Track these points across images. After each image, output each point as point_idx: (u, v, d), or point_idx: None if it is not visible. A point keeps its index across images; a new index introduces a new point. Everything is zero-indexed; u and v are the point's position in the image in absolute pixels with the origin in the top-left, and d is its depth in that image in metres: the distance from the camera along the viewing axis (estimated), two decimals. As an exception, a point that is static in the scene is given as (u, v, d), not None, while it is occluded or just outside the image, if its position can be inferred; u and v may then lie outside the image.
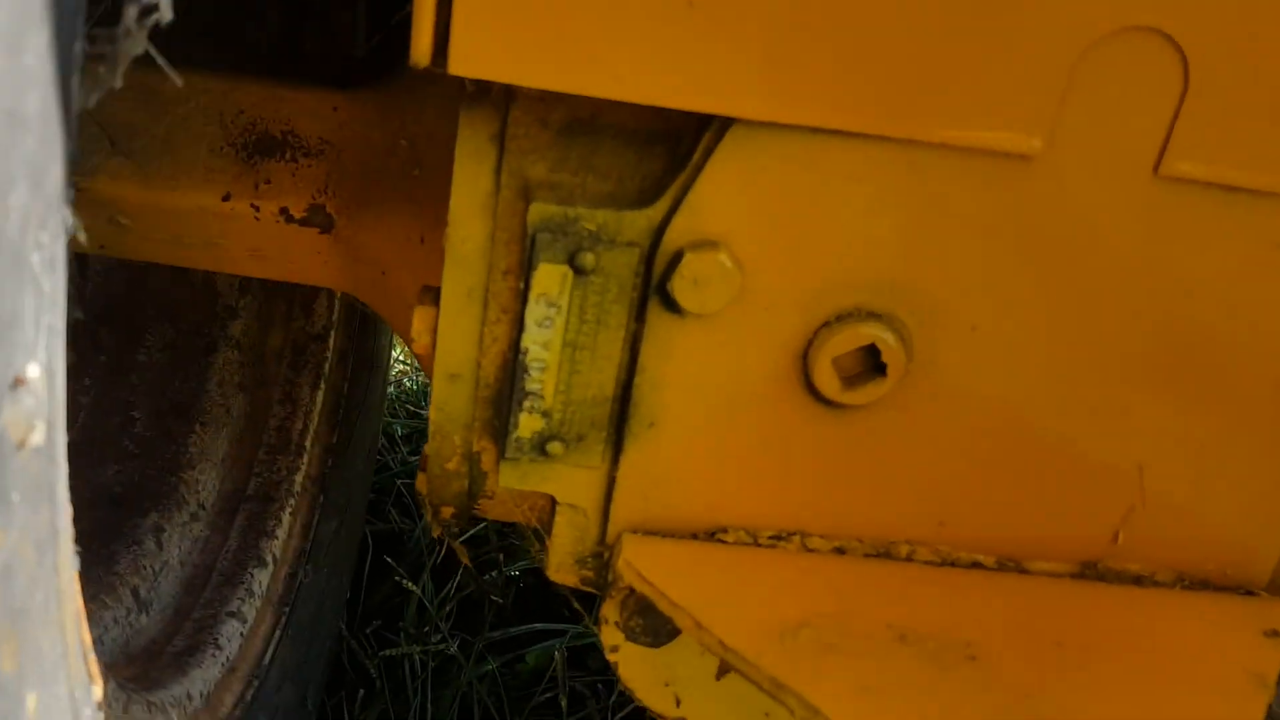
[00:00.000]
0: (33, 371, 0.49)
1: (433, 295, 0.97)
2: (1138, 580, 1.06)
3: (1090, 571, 1.07)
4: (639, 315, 0.92)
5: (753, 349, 0.93)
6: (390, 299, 1.15)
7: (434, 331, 0.96)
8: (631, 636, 1.02)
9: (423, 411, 2.26)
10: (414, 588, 1.57)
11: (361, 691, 1.71)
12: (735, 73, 0.79)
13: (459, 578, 1.81)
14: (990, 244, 0.90)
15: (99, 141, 1.10)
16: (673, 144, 0.88)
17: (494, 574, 1.91)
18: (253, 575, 1.46)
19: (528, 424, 0.97)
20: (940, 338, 0.94)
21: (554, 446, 0.98)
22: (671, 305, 0.90)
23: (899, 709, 0.85)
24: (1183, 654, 1.02)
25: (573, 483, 1.01)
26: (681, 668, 1.06)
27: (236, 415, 1.59)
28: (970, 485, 1.01)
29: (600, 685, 1.77)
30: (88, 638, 0.71)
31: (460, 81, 0.82)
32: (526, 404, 0.96)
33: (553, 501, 1.03)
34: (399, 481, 2.13)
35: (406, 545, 2.03)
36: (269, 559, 1.49)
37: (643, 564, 0.96)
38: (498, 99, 0.86)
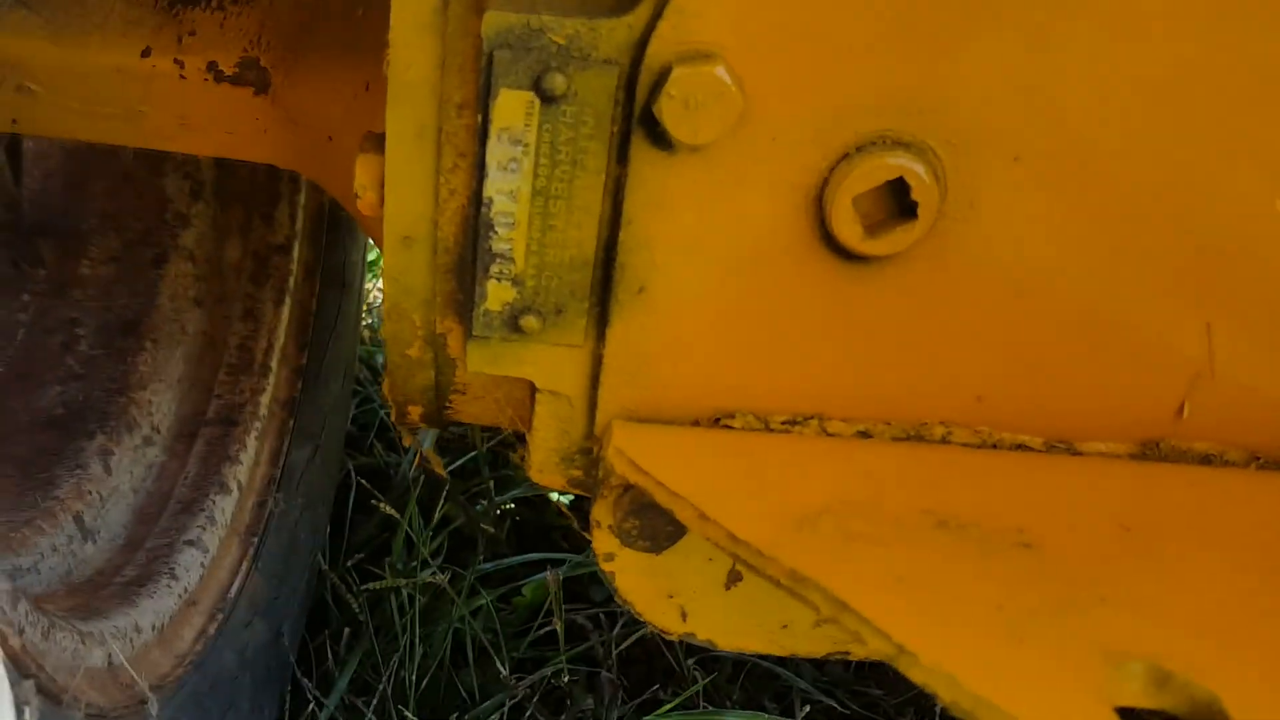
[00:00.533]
0: None
1: (377, 140, 0.82)
2: (1206, 460, 0.92)
3: (1152, 452, 0.93)
4: (621, 155, 0.78)
5: (757, 190, 0.78)
6: (339, 172, 1.00)
7: (380, 185, 0.82)
8: (628, 541, 0.89)
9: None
10: (397, 515, 1.44)
11: (346, 630, 1.58)
12: None
13: (446, 506, 1.67)
14: (1033, 53, 0.75)
15: (-3, -6, 0.96)
16: (654, -68, 0.73)
17: (484, 504, 1.77)
18: (214, 502, 1.32)
19: (496, 294, 0.83)
20: (978, 171, 0.79)
21: (528, 321, 0.84)
22: (659, 138, 0.76)
23: (942, 600, 0.72)
24: (1258, 540, 0.88)
25: (553, 365, 0.87)
26: (687, 577, 0.93)
27: (192, 333, 1.44)
28: (1013, 353, 0.87)
29: (603, 616, 1.65)
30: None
31: None
32: (494, 269, 0.82)
33: (531, 389, 0.90)
34: (382, 413, 2.00)
35: (392, 480, 1.90)
36: (233, 486, 1.36)
37: (636, 451, 0.82)
38: (440, -115, 0.72)
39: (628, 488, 0.88)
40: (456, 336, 0.90)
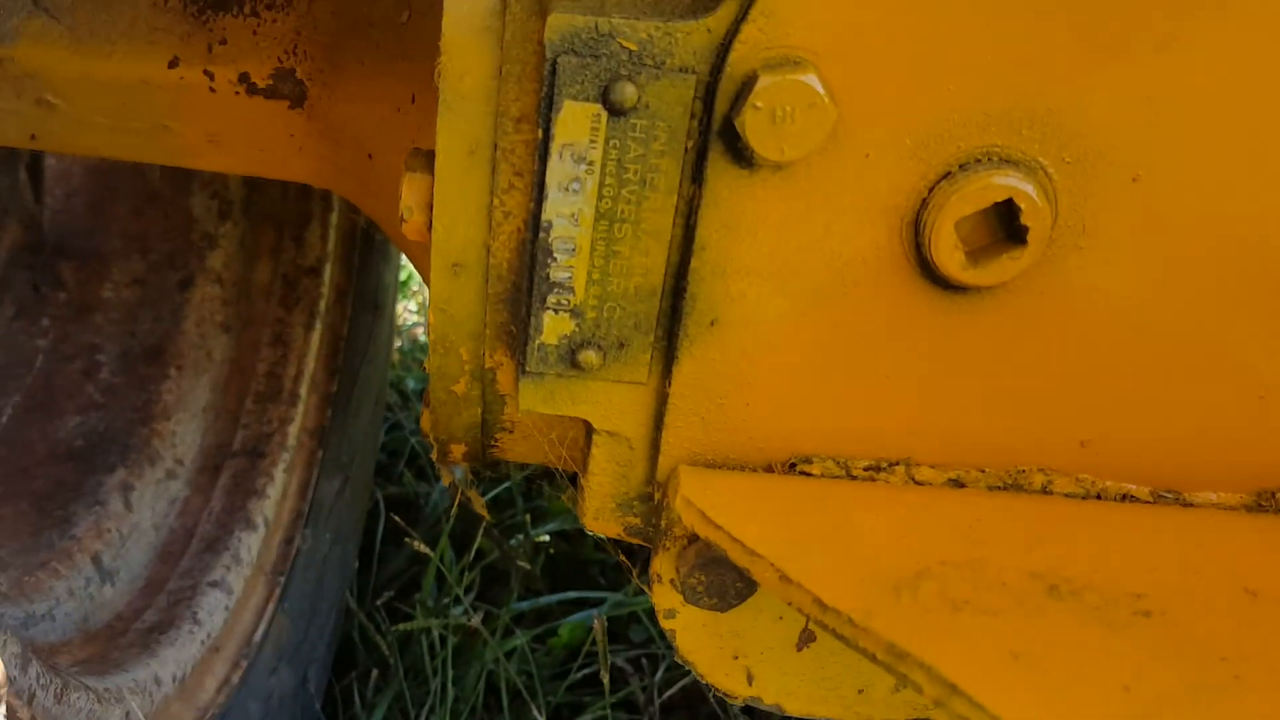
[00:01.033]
0: None
1: (425, 159, 0.75)
2: (1332, 514, 0.83)
3: (1268, 503, 0.84)
4: (695, 174, 0.70)
5: (847, 212, 0.70)
6: (381, 192, 0.93)
7: (429, 207, 0.74)
8: (692, 598, 0.80)
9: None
10: (429, 551, 1.36)
11: (375, 672, 1.50)
12: None
13: (479, 541, 1.59)
14: (1160, 58, 0.67)
15: None
16: (740, -76, 0.66)
17: (520, 538, 1.69)
18: (240, 540, 1.25)
19: (553, 326, 0.75)
20: (1094, 192, 0.71)
21: (588, 356, 0.76)
22: (740, 154, 0.68)
23: (1063, 681, 0.63)
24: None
25: (613, 404, 0.79)
26: (755, 636, 0.84)
27: (219, 359, 1.38)
28: (1124, 395, 0.78)
29: (644, 660, 1.56)
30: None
31: None
32: (551, 300, 0.74)
33: (588, 429, 0.81)
34: (413, 440, 1.92)
35: (422, 511, 1.83)
36: (259, 522, 1.29)
37: (707, 502, 0.74)
38: None
39: (693, 539, 0.80)
40: (507, 371, 0.82)
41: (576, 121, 0.68)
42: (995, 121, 0.68)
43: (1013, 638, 0.65)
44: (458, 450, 0.91)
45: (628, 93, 0.66)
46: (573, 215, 0.71)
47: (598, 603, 1.59)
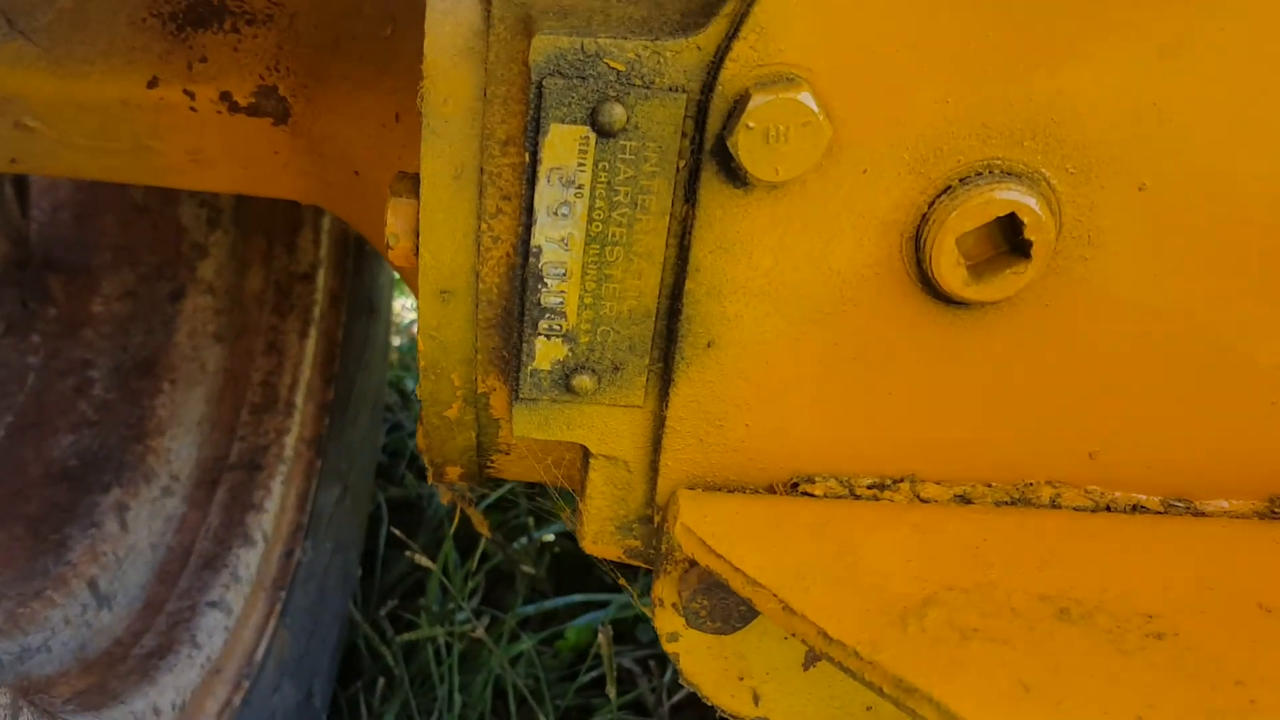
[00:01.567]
0: None
1: (411, 183, 0.73)
2: (1347, 519, 0.81)
3: (1280, 509, 0.82)
4: (688, 194, 0.68)
5: (845, 229, 0.68)
6: (367, 207, 0.91)
7: (415, 232, 0.72)
8: (695, 622, 0.79)
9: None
10: (431, 565, 1.35)
11: (381, 681, 1.49)
12: None
13: (483, 546, 1.58)
14: (1165, 65, 0.64)
15: (-11, 22, 0.87)
16: (727, -61, 0.63)
17: (523, 541, 1.68)
18: (238, 557, 1.24)
19: (546, 352, 0.73)
20: (1099, 202, 0.69)
21: (582, 381, 0.74)
22: (733, 174, 0.66)
23: (1076, 711, 0.61)
24: None
25: (609, 427, 0.77)
26: (759, 657, 0.83)
27: (213, 371, 1.36)
28: (1133, 404, 0.76)
29: (652, 661, 1.55)
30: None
31: None
32: (543, 325, 0.72)
33: (585, 452, 0.80)
34: (414, 442, 1.91)
35: (425, 513, 1.81)
36: (258, 537, 1.27)
37: (707, 530, 0.72)
38: (478, -113, 0.62)
39: (694, 563, 0.78)
40: (500, 396, 0.80)
41: (564, 144, 0.65)
42: (996, 134, 0.66)
43: (1023, 667, 0.64)
44: (453, 472, 0.90)
45: (616, 114, 0.64)
46: (563, 239, 0.69)
47: (604, 604, 1.58)
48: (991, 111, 0.65)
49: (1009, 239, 0.69)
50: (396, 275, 2.05)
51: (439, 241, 0.71)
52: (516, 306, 0.73)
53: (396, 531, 1.51)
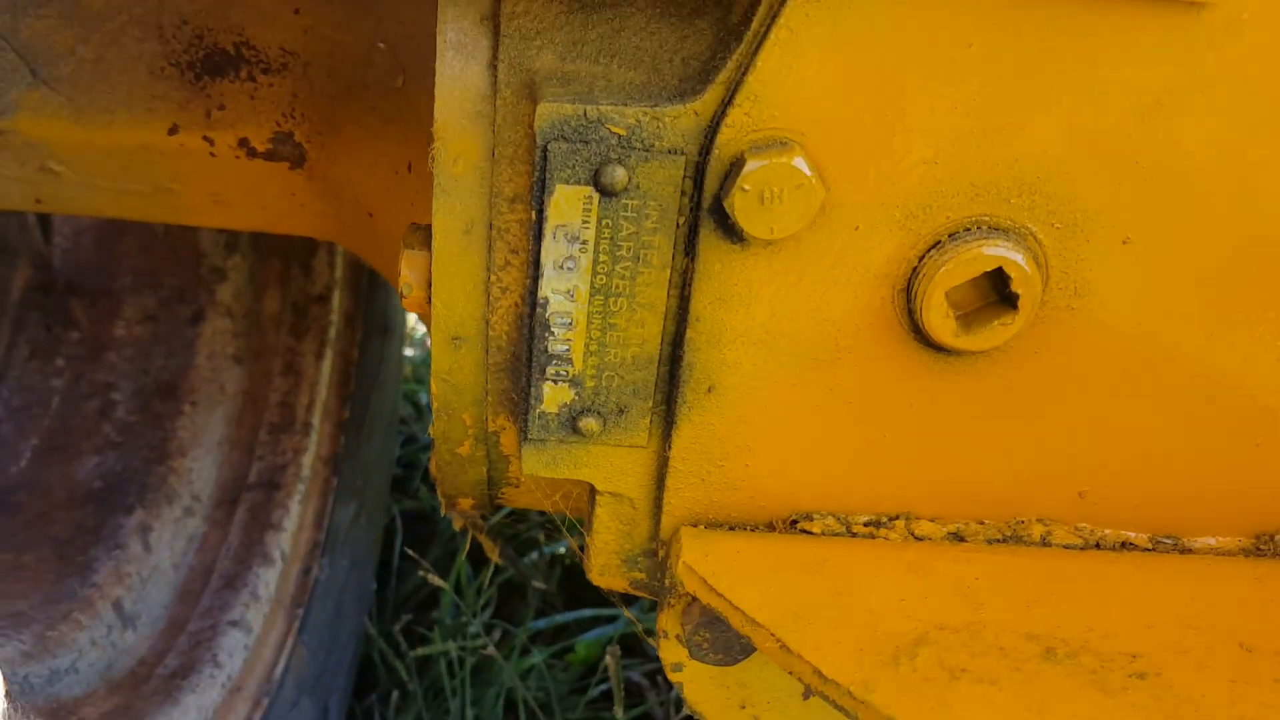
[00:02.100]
0: None
1: (423, 235, 0.76)
2: (1332, 554, 0.83)
3: (1266, 546, 0.85)
4: (688, 248, 0.71)
5: (839, 283, 0.71)
6: (381, 247, 0.94)
7: (428, 283, 0.75)
8: (698, 654, 0.82)
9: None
10: (443, 584, 1.38)
11: (395, 693, 1.53)
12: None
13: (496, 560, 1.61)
14: (1147, 125, 0.67)
15: (16, 71, 0.90)
16: (723, 11, 0.66)
17: (534, 556, 1.71)
18: (258, 576, 1.27)
19: (553, 396, 0.76)
20: (1084, 256, 0.71)
21: (588, 423, 0.77)
22: (731, 232, 0.68)
23: (1059, 752, 0.64)
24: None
25: (614, 466, 0.80)
26: (760, 686, 0.86)
27: (232, 392, 1.39)
28: (1120, 445, 0.79)
29: (660, 676, 1.58)
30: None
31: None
32: (550, 371, 0.75)
33: (591, 489, 0.83)
34: (427, 455, 1.94)
35: (439, 525, 1.85)
36: (276, 556, 1.31)
37: (708, 569, 0.75)
38: (485, -37, 0.65)
39: (698, 598, 0.81)
40: (510, 435, 0.83)
41: (569, 203, 0.68)
42: (983, 191, 0.68)
43: (1009, 708, 0.66)
44: (465, 503, 0.93)
45: (618, 175, 0.67)
46: (568, 291, 0.72)
47: (613, 619, 1.61)
48: (979, 171, 0.68)
49: (997, 290, 0.71)
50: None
51: (450, 292, 0.74)
52: (525, 352, 0.76)
53: (410, 552, 1.54)
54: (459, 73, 0.68)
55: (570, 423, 0.77)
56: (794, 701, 0.87)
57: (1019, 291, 0.70)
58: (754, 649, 0.82)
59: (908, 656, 0.68)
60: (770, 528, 0.81)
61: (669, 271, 0.71)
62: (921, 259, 0.70)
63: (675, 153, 0.67)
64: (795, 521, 0.81)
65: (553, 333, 0.73)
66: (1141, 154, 0.68)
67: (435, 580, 1.33)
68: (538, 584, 1.59)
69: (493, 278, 0.74)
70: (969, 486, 0.80)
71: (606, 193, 0.68)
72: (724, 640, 0.81)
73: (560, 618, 1.62)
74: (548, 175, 0.67)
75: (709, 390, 0.75)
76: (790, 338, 0.73)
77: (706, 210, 0.69)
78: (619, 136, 0.66)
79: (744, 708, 0.87)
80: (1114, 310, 0.73)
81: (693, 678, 0.85)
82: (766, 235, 0.67)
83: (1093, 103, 0.66)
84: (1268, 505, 0.83)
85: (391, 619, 1.63)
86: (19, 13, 0.89)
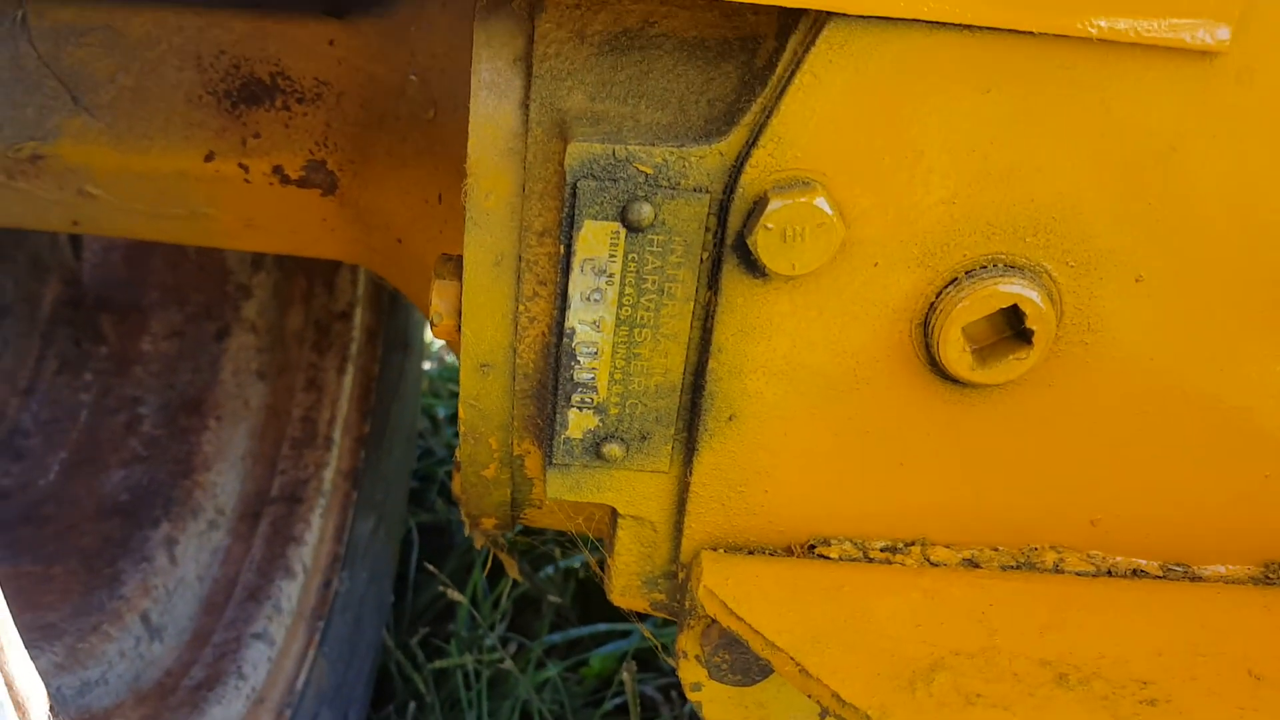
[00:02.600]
0: None
1: (454, 265, 0.78)
2: (1340, 583, 0.85)
3: (1276, 575, 0.86)
4: (711, 282, 0.73)
5: (858, 317, 0.73)
6: (409, 272, 0.96)
7: (458, 312, 0.78)
8: (717, 674, 0.84)
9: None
10: (460, 597, 1.40)
11: (412, 705, 1.55)
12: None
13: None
14: (1160, 168, 0.69)
15: (58, 98, 0.93)
16: (748, 55, 0.68)
17: (549, 570, 1.73)
18: (280, 589, 1.29)
19: (578, 423, 0.78)
20: (1097, 293, 0.73)
21: (611, 449, 0.79)
22: (753, 267, 0.71)
23: (1071, 778, 0.66)
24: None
25: (637, 491, 0.82)
26: (778, 707, 0.87)
27: (255, 407, 1.42)
28: (1129, 474, 0.81)
29: (674, 690, 1.60)
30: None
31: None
32: (576, 398, 0.77)
33: (613, 513, 0.85)
34: (444, 468, 1.96)
35: (455, 537, 1.87)
36: (298, 569, 1.33)
37: (728, 593, 0.77)
38: (521, 7, 0.67)
39: (717, 620, 0.83)
40: (535, 459, 0.85)
41: (596, 238, 0.71)
42: (999, 230, 0.70)
43: (1022, 733, 0.68)
44: (488, 523, 0.95)
45: (645, 212, 0.69)
46: (594, 322, 0.74)
47: (628, 633, 1.62)
48: (995, 210, 0.70)
49: (1013, 325, 0.73)
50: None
51: (480, 321, 0.76)
52: (551, 380, 0.78)
53: (429, 566, 1.56)
54: (492, 111, 0.70)
55: (594, 448, 0.79)
56: (810, 721, 0.88)
57: (1034, 328, 0.72)
58: (772, 670, 0.84)
59: (924, 681, 0.70)
60: (788, 552, 0.83)
61: (692, 304, 0.74)
62: (939, 295, 0.72)
63: (700, 191, 0.69)
64: (813, 546, 0.83)
65: (579, 361, 0.76)
66: (1154, 195, 0.70)
67: (452, 593, 1.35)
68: (553, 598, 1.61)
69: (521, 308, 0.76)
70: (983, 514, 0.82)
71: (633, 228, 0.70)
72: (743, 662, 0.83)
73: (575, 632, 1.64)
74: (577, 211, 0.69)
75: (730, 418, 0.77)
76: (810, 369, 0.75)
77: (730, 246, 0.71)
78: (646, 175, 0.68)
79: (761, 728, 0.88)
80: (1126, 345, 0.75)
81: (712, 698, 0.87)
82: (788, 271, 0.70)
83: (1107, 146, 0.68)
84: (1277, 534, 0.84)
85: (408, 631, 1.65)
86: (61, 41, 0.91)
